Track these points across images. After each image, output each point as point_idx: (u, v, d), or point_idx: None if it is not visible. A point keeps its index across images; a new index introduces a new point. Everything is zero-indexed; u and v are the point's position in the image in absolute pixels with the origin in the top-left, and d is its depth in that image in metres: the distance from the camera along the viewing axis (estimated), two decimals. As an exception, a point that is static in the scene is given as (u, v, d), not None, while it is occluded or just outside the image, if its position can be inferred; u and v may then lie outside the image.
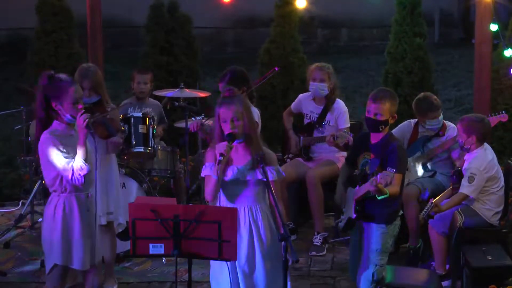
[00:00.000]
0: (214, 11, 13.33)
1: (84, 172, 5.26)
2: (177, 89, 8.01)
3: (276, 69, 8.36)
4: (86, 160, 5.28)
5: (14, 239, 7.80)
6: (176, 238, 4.75)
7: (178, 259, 4.83)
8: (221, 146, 5.12)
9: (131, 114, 7.46)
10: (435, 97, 7.42)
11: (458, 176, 6.72)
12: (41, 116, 5.38)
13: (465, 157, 6.71)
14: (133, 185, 7.29)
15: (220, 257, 4.80)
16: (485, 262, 6.31)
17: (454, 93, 12.41)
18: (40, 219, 7.99)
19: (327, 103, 7.76)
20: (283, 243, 4.78)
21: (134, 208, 4.80)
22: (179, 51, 9.91)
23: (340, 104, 7.77)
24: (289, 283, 5.04)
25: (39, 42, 9.93)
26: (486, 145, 6.73)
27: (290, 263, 4.89)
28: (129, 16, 14.37)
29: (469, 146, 6.65)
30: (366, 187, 5.60)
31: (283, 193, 7.15)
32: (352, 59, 14.59)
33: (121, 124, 7.07)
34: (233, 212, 4.79)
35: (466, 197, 6.62)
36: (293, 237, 7.58)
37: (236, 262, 5.14)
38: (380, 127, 5.77)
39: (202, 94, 8.34)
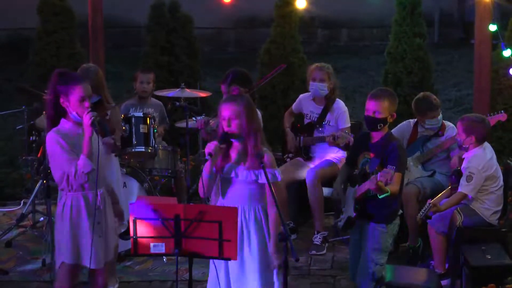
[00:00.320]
0: (215, 11, 13.33)
1: (88, 170, 5.22)
2: (178, 89, 8.03)
3: (284, 66, 8.38)
4: (90, 158, 5.23)
5: (16, 238, 7.81)
6: (177, 237, 4.76)
7: (179, 258, 4.84)
8: (211, 146, 5.14)
9: (132, 114, 7.50)
10: (435, 96, 7.44)
11: (457, 176, 6.72)
12: (50, 114, 5.36)
13: (464, 156, 6.72)
14: (134, 185, 7.29)
15: (221, 256, 4.82)
16: (484, 261, 6.31)
17: (454, 93, 12.40)
18: (42, 218, 8.04)
19: (327, 103, 7.77)
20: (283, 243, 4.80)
21: (135, 207, 4.82)
22: (180, 51, 9.93)
23: (340, 104, 7.78)
24: (277, 283, 5.12)
25: (40, 42, 9.95)
26: (485, 144, 6.72)
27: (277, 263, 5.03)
28: (130, 16, 14.36)
29: (467, 146, 6.66)
30: (367, 186, 5.62)
31: (283, 193, 7.18)
32: (352, 59, 14.58)
33: (123, 124, 7.10)
34: (234, 212, 4.80)
35: (464, 196, 6.62)
36: (293, 236, 7.61)
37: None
38: (378, 125, 5.79)
39: (202, 94, 8.37)
